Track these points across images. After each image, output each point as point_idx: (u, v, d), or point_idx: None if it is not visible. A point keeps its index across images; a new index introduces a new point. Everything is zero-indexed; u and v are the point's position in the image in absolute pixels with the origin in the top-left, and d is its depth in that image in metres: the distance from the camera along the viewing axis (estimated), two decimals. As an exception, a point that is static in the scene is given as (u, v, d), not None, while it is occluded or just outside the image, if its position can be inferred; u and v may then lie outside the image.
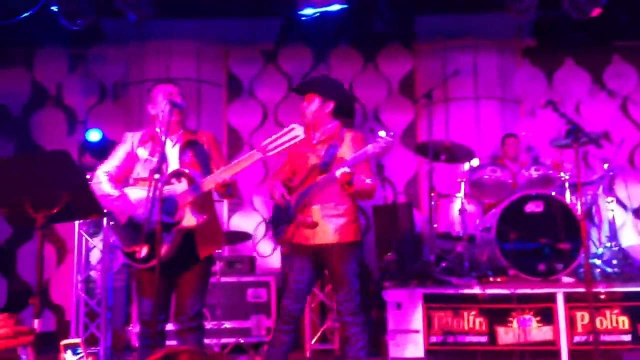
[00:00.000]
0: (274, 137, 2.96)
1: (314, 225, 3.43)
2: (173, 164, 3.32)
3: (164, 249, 3.09)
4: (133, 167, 3.37)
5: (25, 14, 5.56)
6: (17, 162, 2.85)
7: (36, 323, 2.53)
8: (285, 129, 2.96)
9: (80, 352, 1.32)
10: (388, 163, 6.88)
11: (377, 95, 7.08)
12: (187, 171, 3.16)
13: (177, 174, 3.16)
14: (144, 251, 3.12)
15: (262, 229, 6.82)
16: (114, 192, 3.26)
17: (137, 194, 3.26)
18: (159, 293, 3.04)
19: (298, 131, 2.92)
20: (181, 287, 3.30)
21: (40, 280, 2.65)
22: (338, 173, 3.27)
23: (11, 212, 2.69)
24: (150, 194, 2.89)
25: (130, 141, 3.41)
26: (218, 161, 3.42)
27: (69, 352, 1.32)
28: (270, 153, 2.96)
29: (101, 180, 3.32)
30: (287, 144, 2.94)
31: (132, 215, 3.20)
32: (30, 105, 6.97)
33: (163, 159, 3.10)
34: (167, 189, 3.20)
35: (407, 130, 7.03)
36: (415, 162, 6.92)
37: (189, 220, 3.14)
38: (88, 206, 2.76)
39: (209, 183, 3.13)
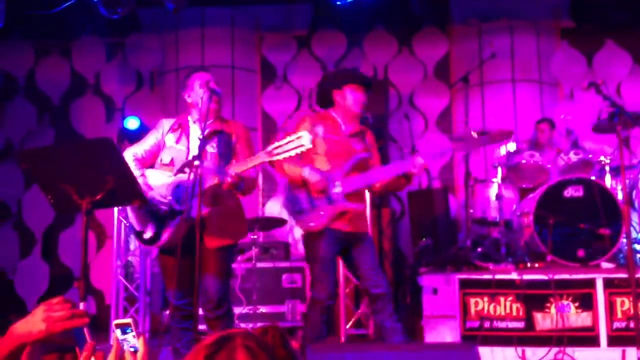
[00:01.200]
0: (282, 142, 2.96)
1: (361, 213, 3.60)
2: (193, 152, 3.33)
3: (166, 235, 3.16)
4: (159, 153, 3.41)
5: (65, 5, 5.67)
6: (62, 150, 2.92)
7: (81, 306, 2.60)
8: (294, 136, 2.94)
9: (131, 331, 1.36)
10: (423, 148, 6.84)
11: (412, 79, 7.02)
12: (197, 163, 3.11)
13: (188, 165, 3.16)
14: (165, 236, 3.19)
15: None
16: (136, 172, 3.28)
17: (156, 176, 3.31)
18: (181, 278, 3.12)
19: (305, 140, 2.91)
20: (202, 275, 3.30)
21: (84, 264, 2.72)
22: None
23: (57, 198, 2.76)
24: (171, 179, 2.93)
25: (162, 128, 3.46)
26: (243, 154, 3.40)
27: (119, 331, 1.36)
28: (276, 158, 2.96)
29: (126, 159, 3.34)
30: (293, 152, 2.94)
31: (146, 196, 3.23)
32: (69, 93, 7.13)
33: (204, 145, 3.14)
34: (180, 178, 3.24)
35: (442, 114, 6.96)
36: (451, 147, 6.85)
37: (199, 210, 3.16)
38: (131, 192, 2.83)
39: (213, 178, 3.14)
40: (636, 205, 5.49)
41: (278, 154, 2.95)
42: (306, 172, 3.52)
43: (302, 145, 2.89)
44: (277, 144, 2.97)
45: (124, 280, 5.54)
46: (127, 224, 5.67)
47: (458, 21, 6.88)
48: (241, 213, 3.46)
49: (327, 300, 3.57)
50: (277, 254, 5.68)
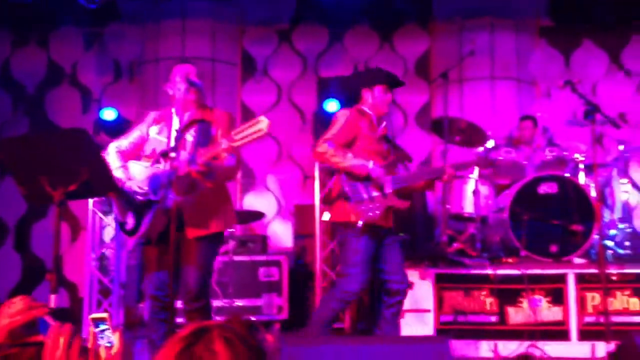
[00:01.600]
0: (242, 127, 2.93)
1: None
2: (173, 141, 3.30)
3: (144, 225, 3.16)
4: (143, 146, 3.41)
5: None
6: (36, 140, 2.89)
7: (53, 299, 2.58)
8: (253, 120, 2.91)
9: (107, 326, 1.36)
10: (402, 143, 6.87)
11: (393, 75, 7.04)
12: (173, 155, 3.11)
13: (164, 154, 3.16)
14: (130, 222, 3.20)
15: (275, 208, 6.88)
16: (117, 163, 3.31)
17: (136, 168, 3.32)
18: (160, 268, 3.12)
19: (262, 124, 2.86)
20: (183, 266, 3.31)
21: (56, 256, 2.70)
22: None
23: (29, 189, 2.73)
24: (149, 170, 2.93)
25: (147, 121, 3.46)
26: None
27: (95, 325, 1.35)
28: (236, 144, 2.93)
29: (109, 152, 3.37)
30: (252, 137, 2.90)
31: (122, 186, 3.25)
32: (45, 83, 7.03)
33: (180, 136, 3.13)
34: (156, 168, 3.24)
35: (421, 110, 7.00)
36: (430, 143, 6.90)
37: (174, 200, 3.14)
38: (105, 183, 2.81)
39: (183, 168, 3.12)
40: (609, 202, 5.58)
41: (238, 139, 2.92)
42: (371, 165, 3.69)
43: (260, 130, 2.86)
44: (237, 129, 2.95)
45: (98, 273, 5.49)
46: (103, 216, 5.63)
47: (439, 18, 6.92)
48: (225, 203, 3.44)
49: (354, 295, 3.72)
50: (254, 248, 5.67)
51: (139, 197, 3.23)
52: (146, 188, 3.23)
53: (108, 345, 1.34)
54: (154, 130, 3.40)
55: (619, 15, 6.52)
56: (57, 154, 2.67)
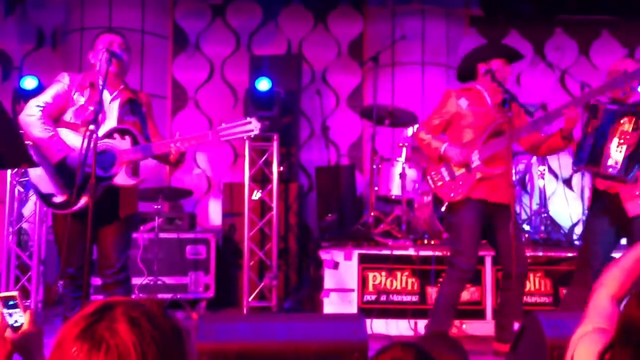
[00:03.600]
0: (231, 125, 3.06)
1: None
2: (112, 119, 3.27)
3: (83, 200, 3.09)
4: (66, 108, 3.27)
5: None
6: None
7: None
8: (243, 121, 3.04)
9: (16, 305, 1.30)
10: (333, 125, 6.92)
11: (327, 56, 7.06)
12: (133, 131, 3.15)
13: (122, 131, 3.11)
14: (82, 200, 3.10)
15: (204, 186, 6.80)
16: (48, 131, 3.17)
17: (71, 138, 3.20)
18: (78, 244, 3.06)
19: (253, 126, 3.00)
20: (103, 241, 3.28)
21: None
22: None
23: None
24: (85, 144, 2.85)
25: (66, 82, 3.29)
26: (152, 126, 3.42)
27: (4, 304, 1.29)
28: (223, 139, 3.06)
29: (34, 114, 3.20)
30: (240, 136, 3.05)
31: (67, 156, 3.14)
32: (-40, 49, 6.64)
33: (100, 109, 3.06)
34: (107, 143, 3.17)
35: (353, 93, 7.06)
36: (360, 125, 6.98)
37: (125, 180, 3.15)
38: (18, 155, 2.69)
39: (161, 148, 3.13)
40: (528, 188, 5.83)
41: (226, 135, 3.03)
42: (443, 148, 3.67)
43: (251, 131, 2.99)
44: (226, 125, 3.06)
45: (16, 248, 5.28)
46: (23, 189, 5.40)
47: (373, 1, 6.97)
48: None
49: (469, 272, 3.65)
50: (182, 225, 5.60)
51: (83, 170, 3.11)
52: (92, 163, 3.13)
53: (16, 325, 1.30)
54: (79, 97, 3.28)
55: (544, 8, 6.77)
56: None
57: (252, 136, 3.08)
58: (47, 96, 3.26)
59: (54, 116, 3.26)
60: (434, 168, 3.78)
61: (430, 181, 3.81)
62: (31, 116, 3.19)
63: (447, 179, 3.72)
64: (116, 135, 3.16)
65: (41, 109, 3.21)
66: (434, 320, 3.69)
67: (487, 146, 3.66)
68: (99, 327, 0.99)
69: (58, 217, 3.29)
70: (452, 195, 3.69)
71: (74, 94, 3.27)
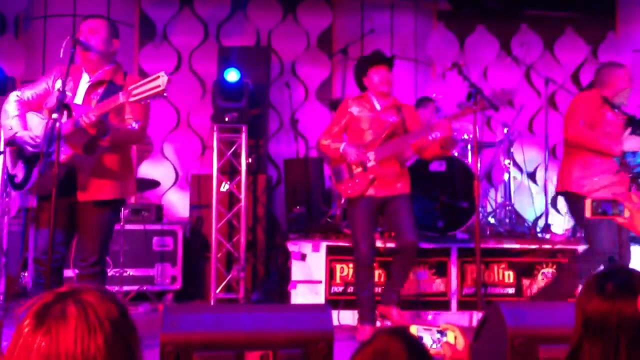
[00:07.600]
0: (140, 82, 2.92)
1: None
2: (78, 100, 3.29)
3: (33, 177, 3.12)
4: (47, 98, 3.32)
5: None
6: None
7: None
8: (152, 77, 2.89)
9: None
10: (302, 117, 6.91)
11: (295, 48, 7.03)
12: (68, 105, 3.06)
13: (62, 106, 3.07)
14: (19, 175, 3.18)
15: (171, 177, 6.74)
16: (14, 112, 3.25)
17: (33, 118, 3.26)
18: (54, 229, 3.00)
19: (160, 81, 2.84)
20: (80, 231, 3.28)
21: None
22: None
23: None
24: (42, 126, 2.94)
25: (50, 82, 3.36)
26: (133, 108, 3.30)
27: None
28: (133, 99, 2.91)
29: (9, 100, 3.30)
30: (149, 93, 2.88)
31: (14, 136, 3.19)
32: None
33: (63, 96, 3.03)
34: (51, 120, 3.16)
35: (322, 85, 7.06)
36: (329, 117, 6.98)
37: (60, 154, 3.09)
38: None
39: (84, 119, 3.05)
40: (493, 182, 5.93)
41: (136, 94, 2.90)
42: (342, 148, 4.14)
43: (158, 87, 2.84)
44: (135, 85, 2.92)
45: (-23, 240, 5.16)
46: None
47: (342, -7, 6.97)
48: (126, 171, 3.39)
49: (366, 259, 4.06)
50: (149, 217, 5.54)
51: (29, 148, 3.17)
52: (39, 140, 3.13)
53: None
54: (59, 84, 3.26)
55: (510, 4, 6.87)
56: None
57: (163, 94, 2.86)
58: (31, 91, 3.37)
59: (33, 107, 3.35)
60: (336, 166, 4.22)
61: (332, 179, 4.28)
62: (6, 103, 3.31)
63: (346, 177, 4.18)
64: (65, 112, 3.13)
65: (17, 98, 3.33)
66: (360, 312, 4.15)
67: (383, 148, 4.13)
68: (53, 309, 1.02)
69: (43, 204, 3.25)
70: (349, 192, 4.17)
71: (56, 82, 3.29)
